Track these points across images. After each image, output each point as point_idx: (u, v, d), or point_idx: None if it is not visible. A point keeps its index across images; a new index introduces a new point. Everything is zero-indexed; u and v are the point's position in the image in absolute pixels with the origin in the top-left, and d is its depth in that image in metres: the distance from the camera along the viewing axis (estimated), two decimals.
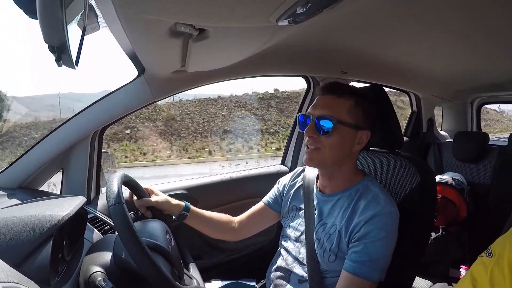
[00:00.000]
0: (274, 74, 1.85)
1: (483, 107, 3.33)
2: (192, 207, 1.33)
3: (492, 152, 2.55)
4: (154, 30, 0.87)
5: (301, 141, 2.12)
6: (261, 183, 1.96)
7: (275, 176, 1.58)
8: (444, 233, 2.17)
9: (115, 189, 0.96)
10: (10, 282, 0.69)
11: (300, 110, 2.15)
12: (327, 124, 1.09)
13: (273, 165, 2.25)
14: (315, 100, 1.17)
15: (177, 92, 1.55)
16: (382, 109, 1.26)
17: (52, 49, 0.63)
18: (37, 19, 0.55)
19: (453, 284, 1.87)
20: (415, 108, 2.97)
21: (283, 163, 2.27)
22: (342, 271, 1.06)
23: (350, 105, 1.12)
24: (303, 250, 1.20)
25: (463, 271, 2.00)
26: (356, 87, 1.24)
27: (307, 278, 1.15)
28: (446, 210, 2.24)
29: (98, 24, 0.82)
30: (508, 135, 2.49)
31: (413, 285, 1.90)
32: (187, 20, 0.83)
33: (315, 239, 1.16)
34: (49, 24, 0.56)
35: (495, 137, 3.70)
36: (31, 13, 0.54)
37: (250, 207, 1.45)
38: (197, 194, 1.79)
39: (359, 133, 1.14)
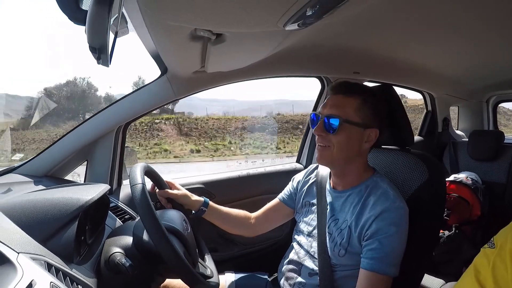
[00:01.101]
0: (289, 75, 1.90)
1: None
2: (210, 202, 1.37)
3: (508, 151, 2.49)
4: (176, 34, 0.95)
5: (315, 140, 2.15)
6: (276, 180, 2.00)
7: (290, 174, 1.61)
8: (457, 231, 2.14)
9: (138, 172, 1.04)
10: (37, 255, 0.77)
11: (314, 110, 2.19)
12: (334, 122, 1.12)
13: (289, 163, 2.28)
14: (325, 100, 1.20)
15: (197, 91, 1.62)
16: (391, 107, 1.28)
17: (93, 49, 0.72)
18: (80, 24, 0.63)
19: None
20: (429, 108, 2.95)
21: (298, 161, 2.30)
22: (361, 270, 1.08)
23: (357, 104, 1.14)
24: (315, 244, 1.22)
25: None
26: (365, 86, 1.25)
27: (317, 271, 1.18)
28: (459, 209, 2.23)
29: (128, 29, 0.90)
30: None
31: (425, 283, 1.91)
32: (205, 26, 0.91)
33: (327, 233, 1.19)
34: (96, 29, 0.64)
35: None
36: (76, 19, 0.62)
37: (265, 203, 1.48)
38: (214, 189, 1.84)
39: (367, 132, 1.16)
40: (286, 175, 1.79)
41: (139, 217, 1.06)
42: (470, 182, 2.34)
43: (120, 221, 1.36)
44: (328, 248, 1.17)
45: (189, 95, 1.61)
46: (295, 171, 1.80)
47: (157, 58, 1.37)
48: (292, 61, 1.70)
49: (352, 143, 1.15)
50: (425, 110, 3.03)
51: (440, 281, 1.95)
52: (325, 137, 1.15)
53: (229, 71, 1.57)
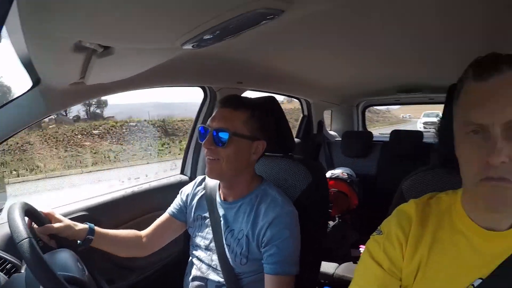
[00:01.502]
0: (172, 85, 1.84)
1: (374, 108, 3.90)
2: (97, 228, 1.22)
3: (376, 147, 2.99)
4: (57, 45, 0.84)
5: (199, 150, 2.11)
6: (163, 194, 1.90)
7: (177, 186, 1.58)
8: (340, 221, 2.46)
9: (20, 223, 0.86)
10: None
11: (197, 120, 2.16)
12: (223, 136, 1.14)
13: (173, 175, 2.19)
14: (214, 113, 1.22)
15: (73, 105, 1.44)
16: (276, 118, 1.37)
17: None
18: None
19: (357, 262, 2.18)
20: (306, 112, 3.24)
21: (182, 172, 2.21)
22: (265, 275, 1.13)
23: (245, 117, 1.18)
24: (215, 257, 1.23)
25: (362, 249, 2.27)
26: (253, 100, 1.31)
27: (224, 282, 1.19)
28: (339, 201, 2.53)
29: (1, 36, 0.74)
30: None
31: (322, 269, 2.12)
32: (93, 39, 0.83)
33: (225, 245, 1.20)
34: None
35: (379, 134, 4.32)
36: None
37: (156, 220, 1.41)
38: (100, 214, 1.63)
39: (255, 144, 1.20)
40: (173, 188, 1.74)
41: (25, 266, 0.90)
42: (346, 176, 2.67)
43: (2, 274, 1.11)
44: (229, 259, 1.19)
45: (63, 109, 1.43)
46: (181, 183, 1.76)
47: (29, 68, 1.15)
48: (178, 72, 1.68)
49: (240, 156, 1.18)
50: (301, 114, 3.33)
51: (335, 265, 2.22)
52: (214, 150, 1.16)
53: (110, 82, 1.44)
